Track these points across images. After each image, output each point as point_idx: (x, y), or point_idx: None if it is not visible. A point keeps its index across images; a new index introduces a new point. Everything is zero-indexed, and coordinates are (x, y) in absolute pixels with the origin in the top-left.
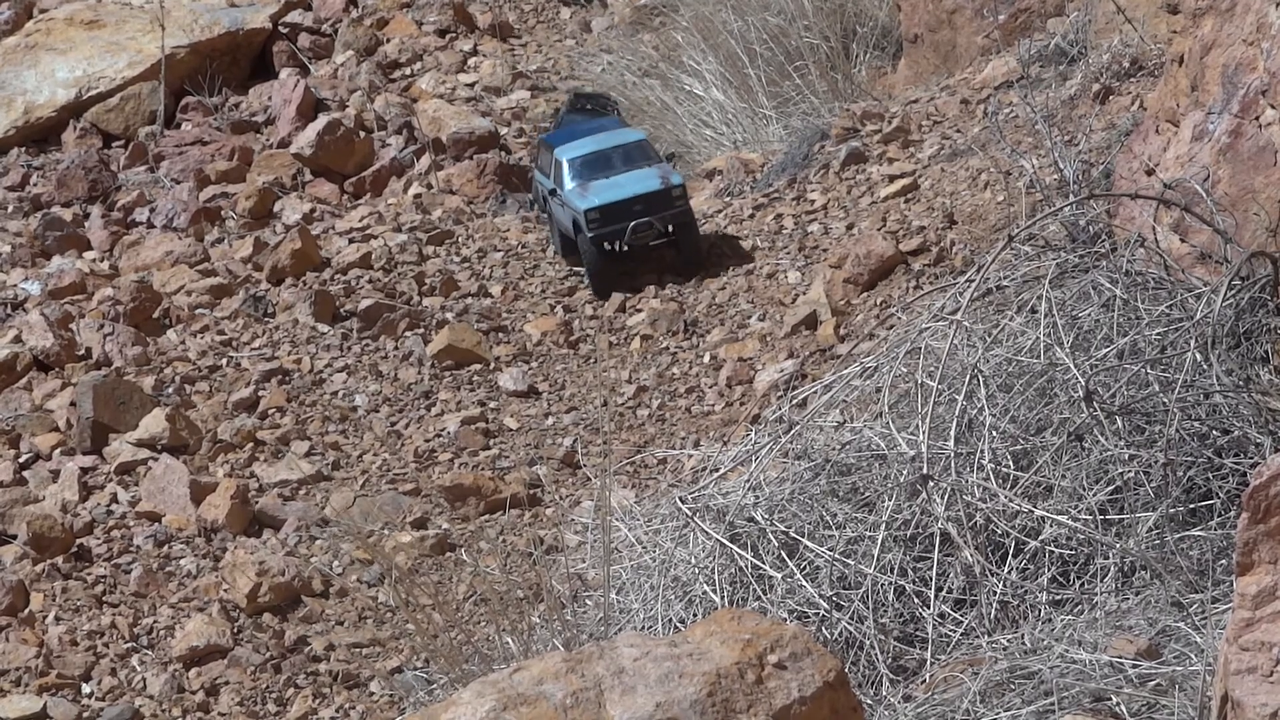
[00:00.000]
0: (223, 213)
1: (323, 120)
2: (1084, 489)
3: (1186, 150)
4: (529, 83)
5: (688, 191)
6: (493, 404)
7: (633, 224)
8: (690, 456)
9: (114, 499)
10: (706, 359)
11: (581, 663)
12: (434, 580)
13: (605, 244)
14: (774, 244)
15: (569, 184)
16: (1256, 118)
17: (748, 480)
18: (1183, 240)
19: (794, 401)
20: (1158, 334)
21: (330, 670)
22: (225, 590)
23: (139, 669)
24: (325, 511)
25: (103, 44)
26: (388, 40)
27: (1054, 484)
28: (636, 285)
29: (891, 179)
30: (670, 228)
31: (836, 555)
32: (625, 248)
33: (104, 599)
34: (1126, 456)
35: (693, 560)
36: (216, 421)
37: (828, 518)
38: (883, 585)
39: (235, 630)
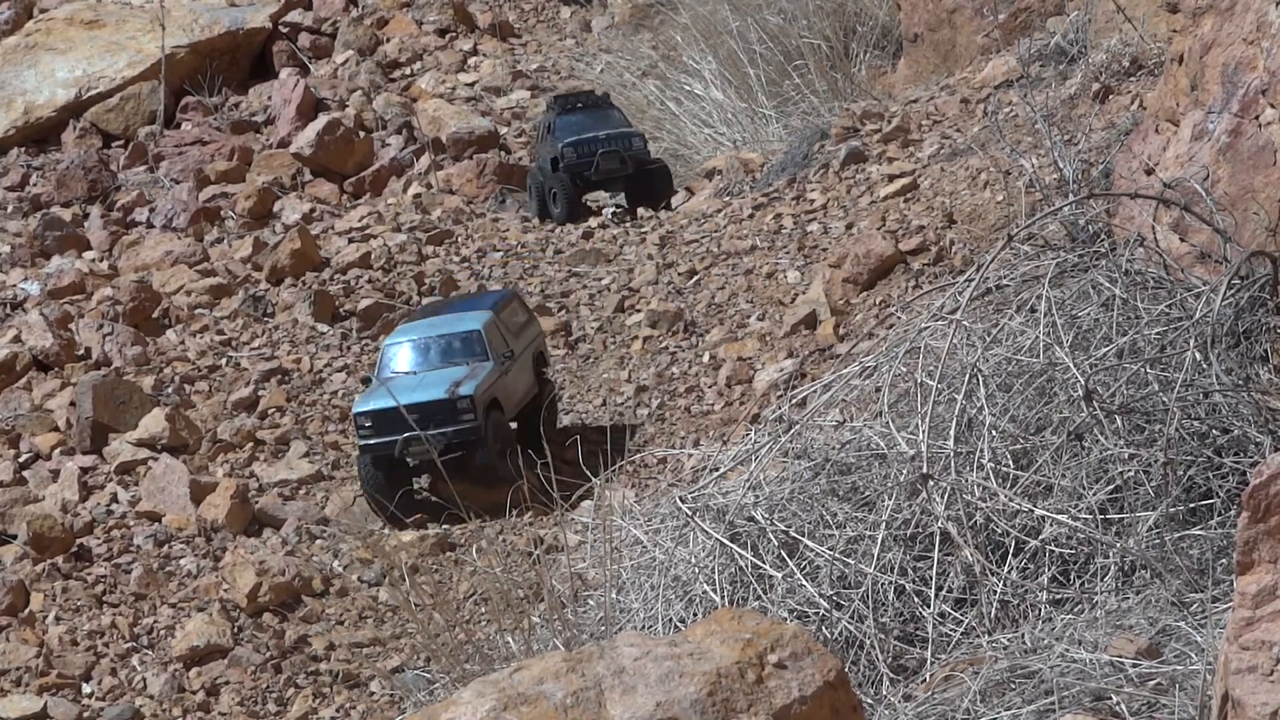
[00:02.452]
0: (222, 213)
1: (322, 120)
2: (1084, 488)
3: (1186, 150)
4: (529, 83)
5: (476, 404)
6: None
7: (404, 437)
8: (690, 456)
9: (114, 499)
10: (706, 359)
11: (581, 662)
12: (434, 580)
13: (382, 457)
14: (773, 244)
15: (374, 378)
16: (1256, 117)
17: (747, 480)
18: (1182, 240)
19: (793, 401)
20: (1157, 333)
21: (330, 670)
22: (225, 590)
23: (139, 669)
24: (325, 511)
25: (103, 44)
26: (388, 40)
27: (1054, 483)
28: (424, 507)
29: (891, 178)
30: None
31: (836, 555)
32: (408, 461)
33: (104, 599)
34: (1126, 456)
35: (693, 560)
36: (216, 421)
37: (828, 517)
38: (883, 585)
39: (235, 630)
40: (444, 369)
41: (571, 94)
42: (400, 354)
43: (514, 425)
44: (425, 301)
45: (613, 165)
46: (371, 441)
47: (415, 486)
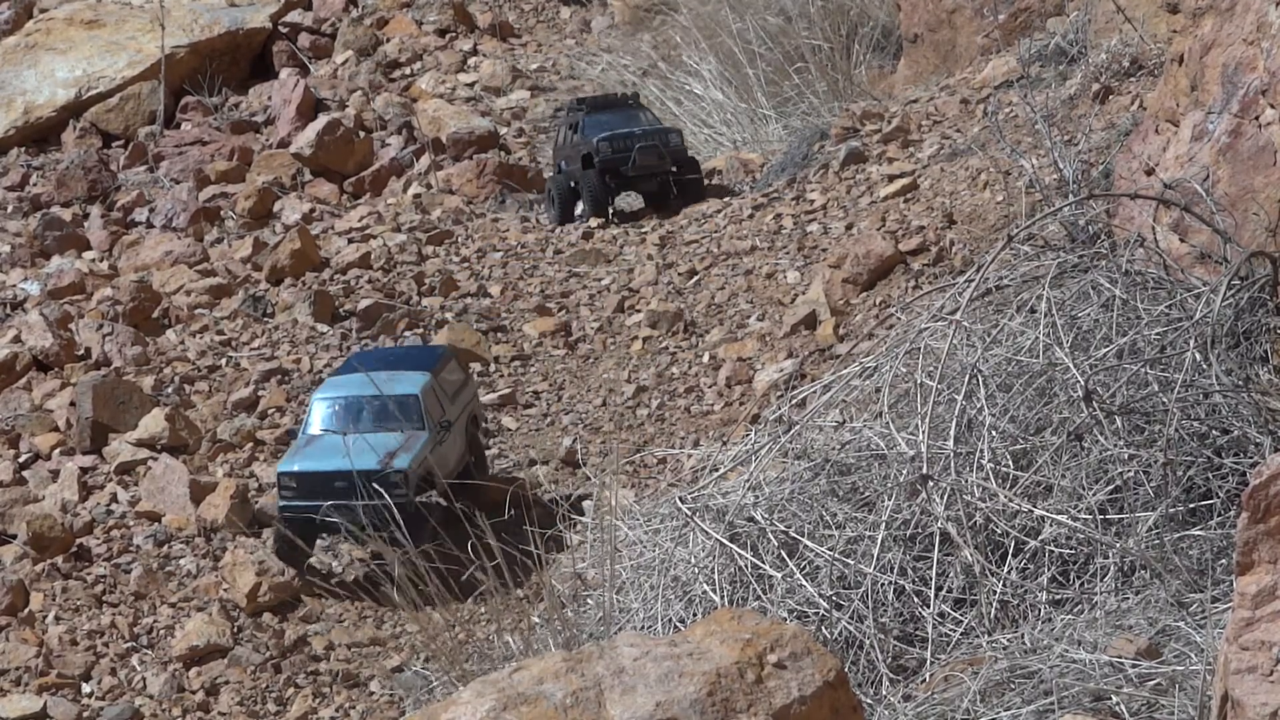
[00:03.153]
0: (222, 213)
1: (322, 120)
2: (1084, 489)
3: (1186, 150)
4: (529, 83)
5: (410, 479)
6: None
7: (327, 505)
8: (690, 456)
9: (114, 499)
10: (706, 359)
11: (581, 662)
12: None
13: (299, 522)
14: (773, 244)
15: (301, 434)
16: (1256, 117)
17: (747, 480)
18: (1182, 240)
19: (793, 401)
20: (1157, 334)
21: (330, 670)
22: (225, 590)
23: (139, 669)
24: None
25: (102, 44)
26: (388, 40)
27: (1054, 484)
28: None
29: (891, 179)
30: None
31: (836, 555)
32: (329, 531)
33: (104, 599)
34: (1126, 456)
35: (692, 560)
36: (216, 421)
37: (827, 517)
38: (882, 585)
39: (235, 630)
40: (376, 434)
41: (598, 96)
42: (330, 411)
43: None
44: (355, 350)
45: (650, 160)
46: (293, 504)
47: (319, 558)
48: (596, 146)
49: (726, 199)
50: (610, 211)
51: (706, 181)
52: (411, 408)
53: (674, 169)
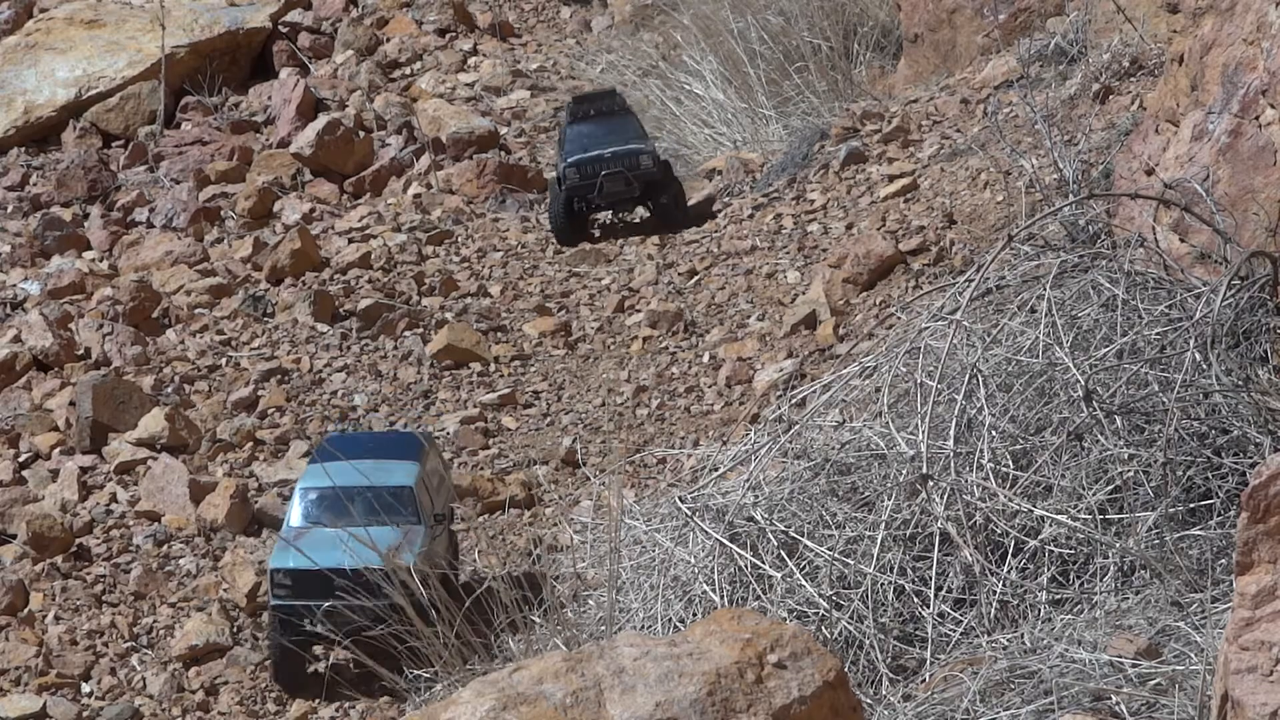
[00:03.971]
0: (222, 213)
1: (322, 120)
2: (1083, 488)
3: (1186, 150)
4: (529, 82)
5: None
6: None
7: (326, 605)
8: (689, 456)
9: (113, 498)
10: (706, 359)
11: (581, 662)
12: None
13: (293, 622)
14: (773, 244)
15: (286, 525)
16: (1256, 117)
17: (747, 480)
18: (1182, 240)
19: (793, 401)
20: (1157, 334)
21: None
22: (225, 590)
23: (139, 668)
24: None
25: (103, 44)
26: (388, 40)
27: (1053, 483)
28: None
29: (891, 179)
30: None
31: (836, 555)
32: (320, 631)
33: (104, 598)
34: (1126, 456)
35: (692, 560)
36: (216, 421)
37: (827, 517)
38: (882, 585)
39: (235, 629)
40: (370, 527)
41: (588, 96)
42: (317, 502)
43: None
44: (330, 431)
45: (618, 188)
46: (287, 603)
47: (314, 660)
48: (564, 173)
49: (727, 199)
50: (581, 236)
51: (707, 187)
52: (405, 500)
53: (639, 194)
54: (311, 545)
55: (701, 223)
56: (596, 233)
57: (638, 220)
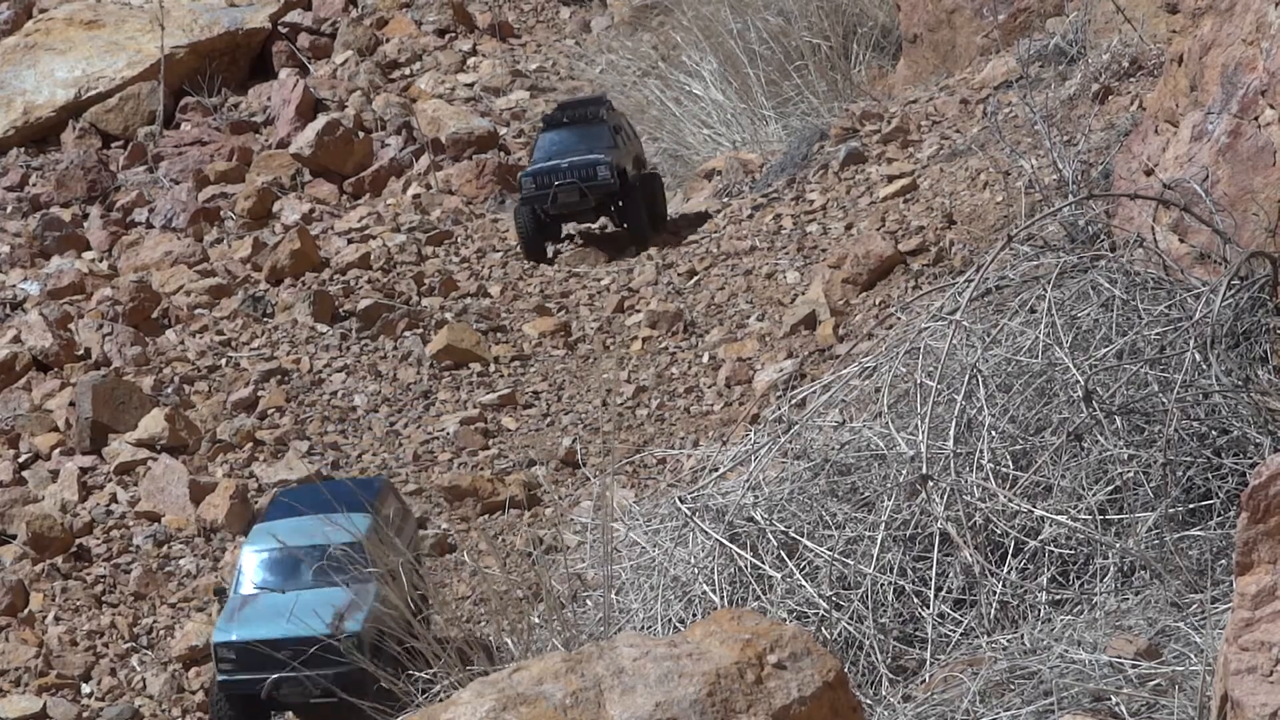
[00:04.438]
0: (222, 213)
1: (322, 120)
2: (1083, 489)
3: (1186, 150)
4: (528, 83)
5: (363, 644)
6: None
7: (274, 677)
8: (689, 456)
9: (113, 499)
10: (705, 359)
11: (581, 663)
12: (434, 579)
13: (243, 697)
14: (773, 244)
15: (233, 592)
16: (1256, 118)
17: (747, 480)
18: (1182, 240)
19: (793, 401)
20: (1157, 334)
21: None
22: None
23: (139, 669)
24: None
25: (102, 44)
26: (387, 40)
27: (1053, 484)
28: None
29: (890, 179)
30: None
31: (836, 555)
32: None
33: (104, 599)
34: (1126, 456)
35: (692, 560)
36: (216, 421)
37: (827, 518)
38: (882, 585)
39: None
40: (319, 589)
41: (569, 103)
42: (265, 565)
43: None
44: (278, 489)
45: (571, 199)
46: (234, 679)
47: None
48: (520, 183)
49: (726, 199)
50: (548, 249)
51: (706, 187)
52: (357, 556)
53: (594, 206)
54: (258, 614)
55: (700, 224)
56: (555, 250)
57: (597, 232)
